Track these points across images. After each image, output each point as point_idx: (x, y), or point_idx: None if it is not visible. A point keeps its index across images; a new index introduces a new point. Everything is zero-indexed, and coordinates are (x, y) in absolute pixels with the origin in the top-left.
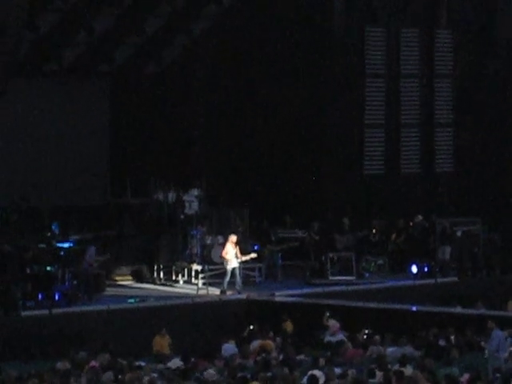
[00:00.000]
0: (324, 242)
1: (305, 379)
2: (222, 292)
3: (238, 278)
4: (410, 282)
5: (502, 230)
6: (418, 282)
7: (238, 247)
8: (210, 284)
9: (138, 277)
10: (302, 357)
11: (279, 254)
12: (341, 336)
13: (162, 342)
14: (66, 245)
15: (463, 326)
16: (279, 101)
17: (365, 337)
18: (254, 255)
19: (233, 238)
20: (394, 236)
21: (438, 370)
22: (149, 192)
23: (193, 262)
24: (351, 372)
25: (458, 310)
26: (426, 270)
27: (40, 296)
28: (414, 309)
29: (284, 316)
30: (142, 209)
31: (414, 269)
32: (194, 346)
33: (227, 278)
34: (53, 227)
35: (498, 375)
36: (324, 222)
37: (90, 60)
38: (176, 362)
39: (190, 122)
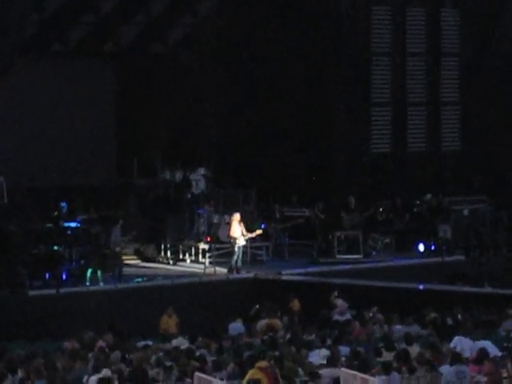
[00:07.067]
0: (330, 221)
1: (312, 358)
2: (230, 271)
3: (240, 256)
4: (416, 261)
5: (508, 208)
6: (424, 261)
7: (242, 225)
8: (217, 263)
9: (141, 256)
10: (308, 336)
11: (286, 233)
12: (348, 315)
13: (169, 322)
14: (72, 224)
15: (470, 305)
16: (285, 80)
17: (371, 315)
18: (259, 231)
19: (237, 215)
20: (407, 216)
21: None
22: (155, 171)
23: (200, 241)
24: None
25: (465, 288)
26: (432, 248)
27: (47, 275)
28: (421, 287)
29: (291, 295)
30: (149, 188)
31: (421, 247)
32: (201, 325)
33: (235, 257)
34: (62, 205)
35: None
36: (330, 200)
37: (96, 40)
38: (180, 341)
39: (196, 101)
